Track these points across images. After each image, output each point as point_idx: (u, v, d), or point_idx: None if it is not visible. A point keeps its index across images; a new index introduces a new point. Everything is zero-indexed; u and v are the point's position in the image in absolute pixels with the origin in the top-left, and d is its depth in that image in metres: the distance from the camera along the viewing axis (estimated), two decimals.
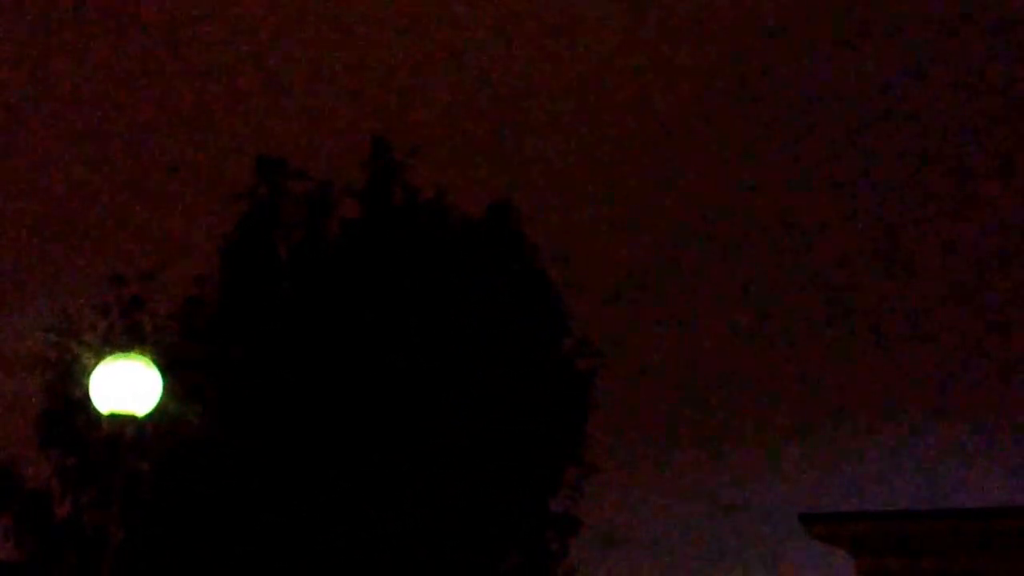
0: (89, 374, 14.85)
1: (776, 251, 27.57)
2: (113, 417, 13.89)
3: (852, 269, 27.27)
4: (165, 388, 14.50)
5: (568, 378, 19.84)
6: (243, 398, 18.66)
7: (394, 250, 19.13)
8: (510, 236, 19.65)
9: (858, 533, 18.01)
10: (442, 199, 19.60)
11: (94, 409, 14.44)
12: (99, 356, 15.81)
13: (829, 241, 27.75)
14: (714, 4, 27.82)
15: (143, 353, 15.13)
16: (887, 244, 27.44)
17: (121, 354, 14.76)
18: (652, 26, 28.09)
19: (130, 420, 13.96)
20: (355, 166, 19.64)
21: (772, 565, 21.60)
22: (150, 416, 14.49)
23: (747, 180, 27.73)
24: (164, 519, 18.14)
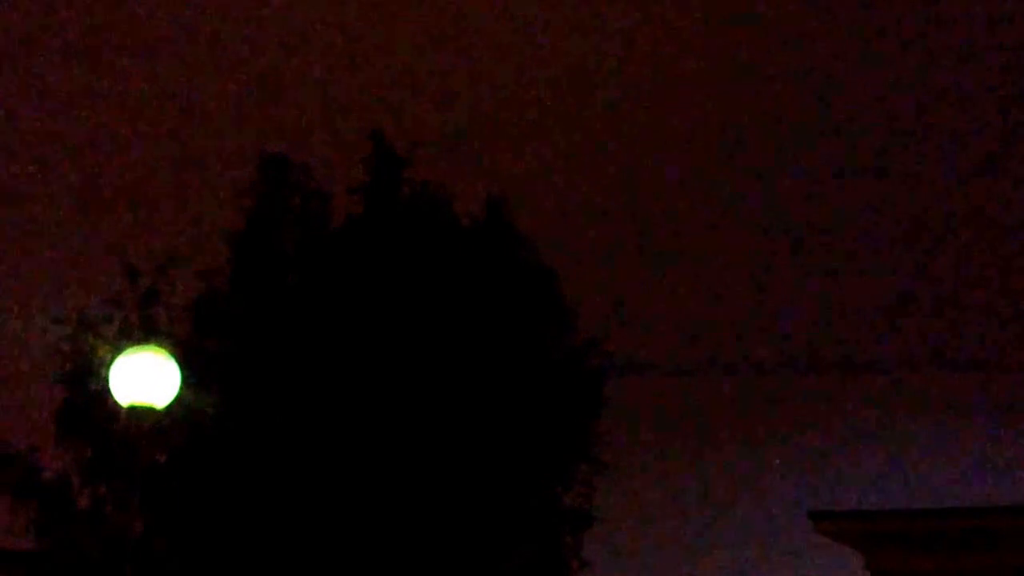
0: (106, 367, 14.92)
1: (781, 243, 27.66)
2: (133, 409, 13.95)
3: (863, 264, 27.34)
4: (181, 380, 14.56)
5: (578, 375, 19.92)
6: (257, 389, 18.75)
7: (398, 245, 19.21)
8: (509, 232, 19.73)
9: (867, 530, 18.06)
10: (443, 194, 19.70)
11: (112, 401, 14.50)
12: (116, 349, 15.88)
13: (836, 237, 27.82)
14: (716, 4, 27.91)
15: (160, 345, 15.19)
16: (894, 241, 27.53)
17: (139, 346, 14.81)
18: (650, 23, 28.19)
19: (149, 412, 14.02)
20: (358, 162, 19.78)
21: (781, 562, 21.65)
22: (168, 408, 14.56)
23: (756, 172, 27.81)
24: (183, 510, 18.22)
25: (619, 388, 20.20)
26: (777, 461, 23.73)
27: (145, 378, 14.03)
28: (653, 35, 28.30)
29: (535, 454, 19.43)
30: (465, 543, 18.78)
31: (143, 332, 18.05)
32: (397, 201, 19.63)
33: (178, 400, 14.80)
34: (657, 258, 27.36)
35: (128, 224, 24.84)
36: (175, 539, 18.12)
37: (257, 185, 19.59)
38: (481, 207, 19.89)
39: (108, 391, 14.49)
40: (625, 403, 20.52)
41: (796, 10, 28.13)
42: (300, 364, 18.80)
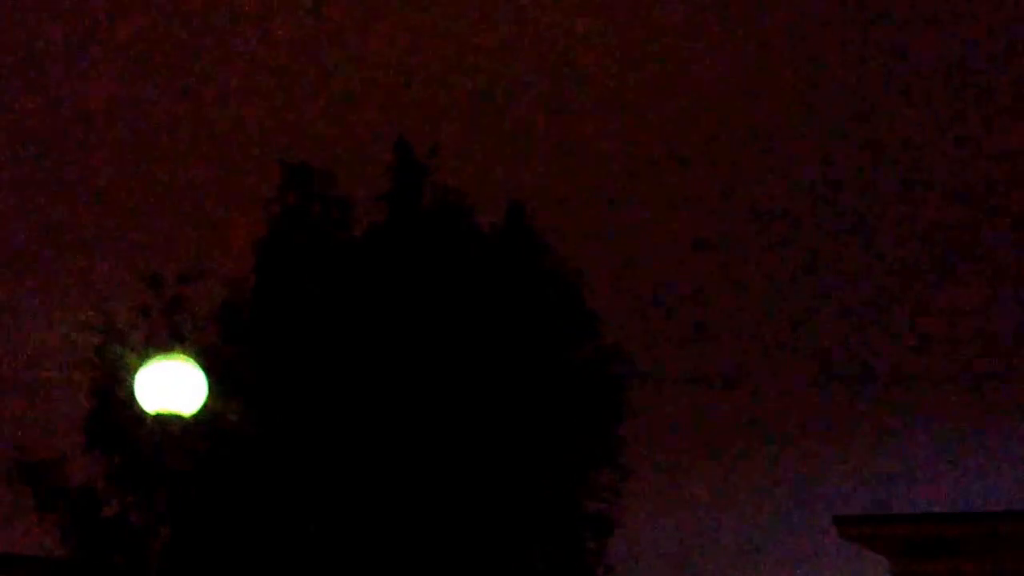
0: (133, 374, 14.99)
1: (804, 249, 27.61)
2: (159, 417, 14.01)
3: (887, 271, 27.27)
4: (207, 387, 14.61)
5: (600, 381, 19.93)
6: (282, 397, 18.83)
7: (420, 254, 19.28)
8: (530, 238, 19.77)
9: (893, 536, 17.98)
10: (465, 201, 19.75)
11: (139, 409, 14.57)
12: (142, 356, 15.95)
13: (860, 242, 27.76)
14: (735, 11, 27.88)
15: (186, 353, 15.26)
16: (918, 244, 27.46)
17: (165, 354, 14.88)
18: (679, 26, 28.16)
19: (176, 419, 14.08)
20: (380, 169, 19.86)
21: (806, 567, 21.63)
22: (194, 416, 14.62)
23: (779, 178, 27.76)
24: (208, 517, 18.30)
25: (642, 394, 20.21)
26: (814, 468, 23.70)
27: (172, 386, 14.08)
28: (681, 39, 28.27)
29: (557, 460, 19.45)
30: (488, 548, 18.81)
31: (169, 340, 18.11)
32: (420, 209, 19.70)
33: (204, 408, 14.84)
34: (680, 262, 27.34)
35: (153, 233, 24.97)
36: (201, 547, 18.19)
37: (280, 193, 19.69)
38: (502, 212, 19.95)
39: (135, 399, 14.55)
40: (648, 409, 20.51)
41: (824, 16, 28.11)
42: (324, 372, 18.86)
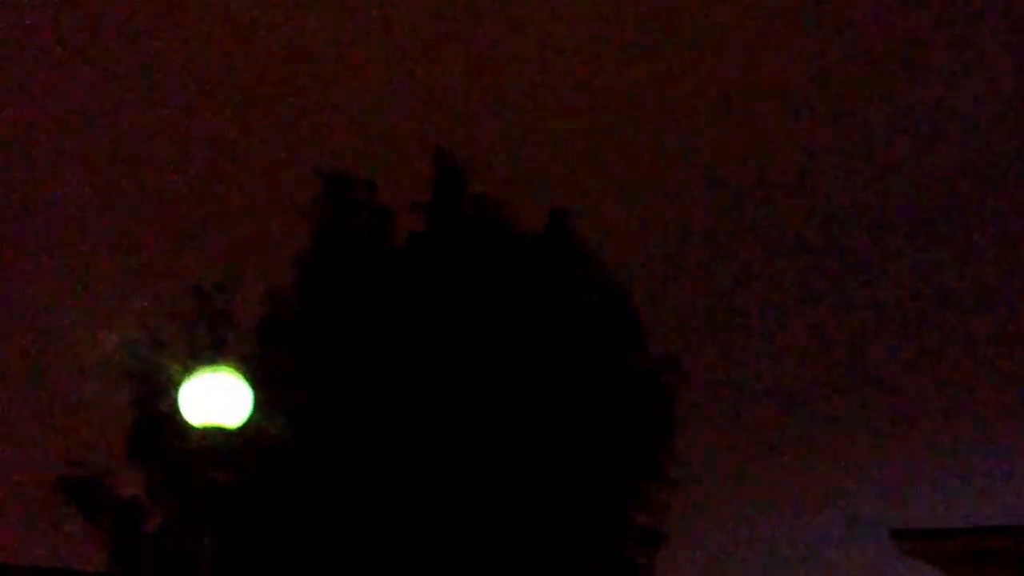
0: (177, 387, 14.92)
1: (859, 261, 27.39)
2: (204, 430, 13.94)
3: (941, 280, 26.98)
4: (252, 400, 14.52)
5: (649, 392, 19.74)
6: (325, 408, 18.75)
7: (461, 261, 19.16)
8: (574, 247, 19.58)
9: (952, 549, 17.70)
10: (506, 210, 19.60)
11: (183, 422, 14.49)
12: (186, 369, 15.88)
13: (916, 250, 27.48)
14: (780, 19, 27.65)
15: (230, 365, 15.18)
16: (968, 250, 27.15)
17: (210, 367, 14.80)
18: (720, 33, 27.98)
19: (221, 432, 14.01)
20: (418, 177, 19.78)
21: None
22: (239, 428, 14.53)
23: (823, 178, 27.54)
24: (253, 530, 18.24)
25: (693, 405, 20.02)
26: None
27: (218, 399, 14.02)
28: (723, 47, 28.11)
29: (606, 472, 19.30)
30: (538, 560, 18.66)
31: (213, 352, 18.05)
32: (460, 218, 19.59)
33: (249, 420, 14.75)
34: (730, 270, 27.18)
35: (195, 245, 24.99)
36: (245, 561, 18.14)
37: (321, 204, 19.63)
38: (543, 220, 19.80)
39: (179, 412, 14.48)
40: (699, 420, 20.34)
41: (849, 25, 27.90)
42: (368, 382, 18.77)
